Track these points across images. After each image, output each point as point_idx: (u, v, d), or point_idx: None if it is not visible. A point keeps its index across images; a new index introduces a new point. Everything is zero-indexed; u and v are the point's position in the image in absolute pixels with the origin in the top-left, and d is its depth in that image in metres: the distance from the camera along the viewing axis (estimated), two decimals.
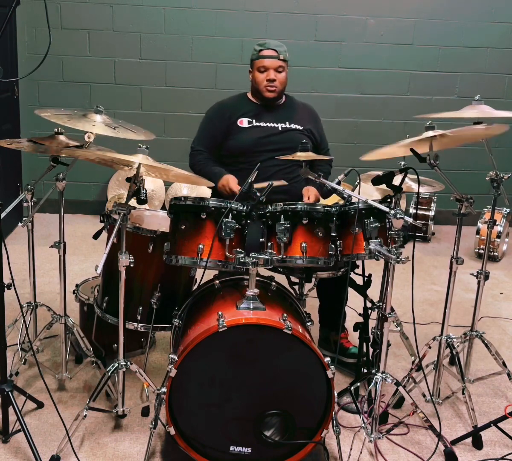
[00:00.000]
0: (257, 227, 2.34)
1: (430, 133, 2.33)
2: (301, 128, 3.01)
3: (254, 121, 2.97)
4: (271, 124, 2.98)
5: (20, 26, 4.82)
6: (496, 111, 2.52)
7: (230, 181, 2.80)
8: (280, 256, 2.25)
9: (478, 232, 4.60)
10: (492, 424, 2.38)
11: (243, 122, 2.97)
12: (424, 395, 2.67)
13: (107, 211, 2.57)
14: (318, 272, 2.55)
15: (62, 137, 2.56)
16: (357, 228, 2.31)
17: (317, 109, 3.18)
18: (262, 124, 2.97)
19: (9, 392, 2.23)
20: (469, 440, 2.43)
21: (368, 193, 4.60)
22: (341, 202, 2.39)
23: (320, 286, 2.94)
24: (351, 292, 2.66)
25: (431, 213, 5.02)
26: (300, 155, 2.44)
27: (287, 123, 3.00)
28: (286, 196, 2.70)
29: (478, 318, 2.77)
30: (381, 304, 2.56)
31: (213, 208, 2.26)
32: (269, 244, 2.29)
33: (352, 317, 2.84)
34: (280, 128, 2.98)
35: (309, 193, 2.83)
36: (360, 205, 2.30)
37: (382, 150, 2.52)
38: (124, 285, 2.24)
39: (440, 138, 2.37)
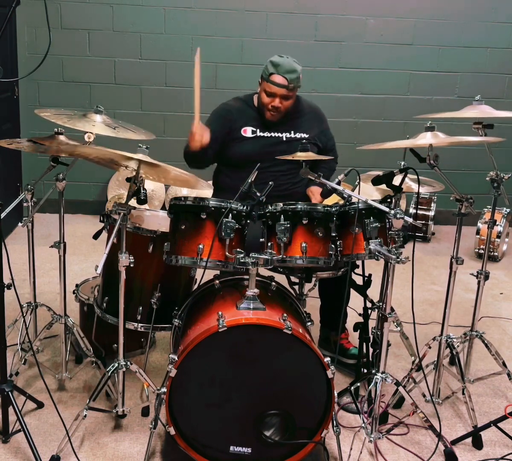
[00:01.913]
0: (257, 227, 2.34)
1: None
2: (306, 136, 2.96)
3: (258, 131, 2.94)
4: (276, 134, 2.94)
5: (20, 26, 4.82)
6: (496, 111, 2.52)
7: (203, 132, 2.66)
8: (280, 256, 2.25)
9: (478, 232, 4.60)
10: (492, 424, 2.38)
11: (247, 131, 2.93)
12: (424, 395, 2.67)
13: (107, 211, 2.56)
14: (318, 272, 2.55)
15: (62, 137, 2.55)
16: (357, 228, 2.31)
17: None
18: (266, 134, 2.94)
19: (9, 392, 2.23)
20: (469, 440, 2.43)
21: (368, 193, 4.60)
22: (341, 202, 2.39)
23: (321, 286, 2.94)
24: (351, 292, 2.66)
25: (431, 213, 5.01)
26: (300, 155, 2.44)
27: (292, 132, 2.96)
28: (287, 200, 2.69)
29: (478, 318, 2.77)
30: (381, 304, 2.56)
31: (213, 208, 2.25)
32: (269, 244, 2.29)
33: (352, 317, 2.84)
34: (284, 138, 2.95)
35: (314, 194, 2.90)
36: (360, 205, 2.30)
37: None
38: (124, 285, 2.24)
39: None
